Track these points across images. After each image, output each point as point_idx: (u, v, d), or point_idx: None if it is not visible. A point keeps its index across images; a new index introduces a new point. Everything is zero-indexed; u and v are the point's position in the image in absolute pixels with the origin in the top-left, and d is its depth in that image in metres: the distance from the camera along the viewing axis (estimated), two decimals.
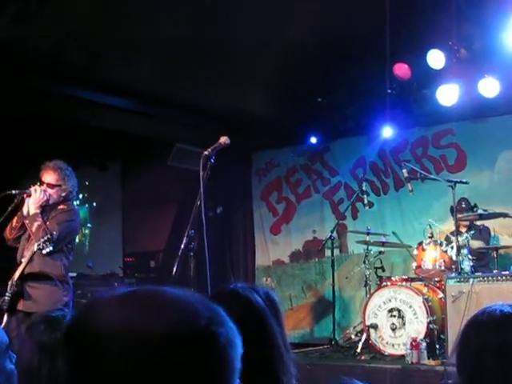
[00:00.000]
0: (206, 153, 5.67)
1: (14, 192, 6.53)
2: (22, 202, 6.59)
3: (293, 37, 9.24)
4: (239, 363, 1.32)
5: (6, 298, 6.37)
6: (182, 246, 5.54)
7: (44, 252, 6.32)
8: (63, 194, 6.75)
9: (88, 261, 11.67)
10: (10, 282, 6.43)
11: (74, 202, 7.27)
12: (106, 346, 1.23)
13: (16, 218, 6.69)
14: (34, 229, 6.45)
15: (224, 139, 5.84)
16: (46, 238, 6.27)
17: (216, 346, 1.27)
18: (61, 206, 6.75)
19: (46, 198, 6.61)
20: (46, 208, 6.68)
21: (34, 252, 6.37)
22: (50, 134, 9.93)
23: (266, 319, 2.38)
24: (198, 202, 5.58)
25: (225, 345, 1.28)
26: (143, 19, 8.51)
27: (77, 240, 8.36)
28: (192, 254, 5.71)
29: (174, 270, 5.55)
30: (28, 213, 6.56)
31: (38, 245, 6.28)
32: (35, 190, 6.54)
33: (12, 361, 2.64)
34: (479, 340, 2.26)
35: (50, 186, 6.66)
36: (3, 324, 6.37)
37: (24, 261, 6.45)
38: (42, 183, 6.65)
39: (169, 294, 1.32)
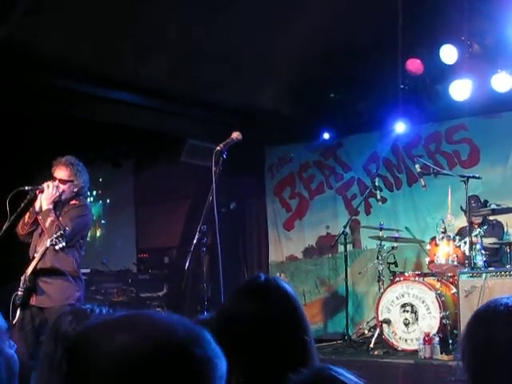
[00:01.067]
0: (218, 148, 5.72)
1: (26, 188, 6.53)
2: (34, 198, 6.61)
3: (306, 32, 9.26)
4: (220, 381, 1.39)
5: (19, 293, 6.40)
6: (195, 241, 5.58)
7: (57, 248, 6.32)
8: (75, 190, 6.77)
9: (102, 257, 11.72)
10: (22, 278, 6.47)
11: (88, 199, 7.28)
12: (99, 364, 1.33)
13: (28, 213, 6.70)
14: (47, 224, 6.47)
15: (236, 135, 5.88)
16: (58, 234, 6.27)
17: (192, 365, 1.34)
18: (73, 202, 6.79)
19: (58, 194, 6.62)
20: (58, 204, 6.70)
21: (47, 248, 6.39)
22: (64, 131, 9.98)
23: (300, 307, 2.49)
24: (211, 198, 5.61)
25: (202, 365, 1.35)
26: (157, 16, 8.54)
27: (90, 236, 8.39)
28: (205, 249, 5.73)
29: (187, 264, 5.58)
30: (41, 208, 6.58)
31: (51, 240, 6.28)
32: (47, 186, 6.56)
33: (11, 347, 2.63)
34: (485, 335, 2.20)
35: (62, 181, 6.68)
36: (16, 318, 6.42)
37: (37, 256, 6.49)
38: (54, 179, 6.67)
39: (152, 318, 1.42)
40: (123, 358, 1.31)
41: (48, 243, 6.32)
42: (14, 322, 6.41)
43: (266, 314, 2.36)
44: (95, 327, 1.41)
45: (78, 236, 6.70)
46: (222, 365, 1.39)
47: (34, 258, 6.55)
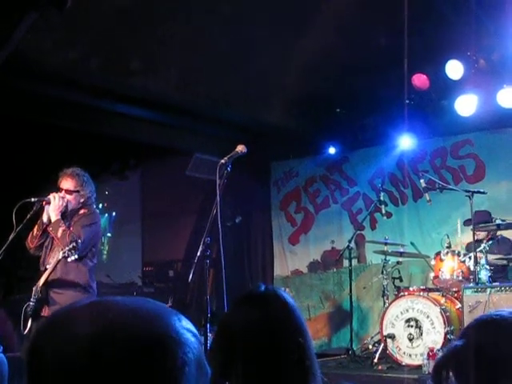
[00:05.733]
0: (222, 161, 5.74)
1: (32, 200, 6.52)
2: (41, 210, 6.61)
3: (312, 47, 9.29)
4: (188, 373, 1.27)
5: (31, 303, 6.42)
6: (198, 254, 5.58)
7: (69, 260, 6.32)
8: (82, 200, 6.79)
9: (108, 270, 11.74)
10: (34, 289, 6.47)
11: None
12: (55, 361, 1.23)
13: (36, 226, 6.71)
14: (59, 234, 6.46)
15: (241, 148, 5.91)
16: (71, 246, 6.25)
17: (165, 364, 1.25)
18: (82, 211, 6.79)
19: (64, 204, 6.64)
20: (66, 215, 6.71)
21: (59, 260, 6.39)
22: (71, 144, 10.01)
23: (300, 318, 2.47)
24: (215, 211, 5.63)
25: (177, 364, 1.26)
26: (165, 31, 8.59)
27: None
28: (208, 261, 5.73)
29: (190, 276, 5.59)
30: (49, 220, 6.59)
31: (64, 252, 6.26)
32: (54, 197, 6.57)
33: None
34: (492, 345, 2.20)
35: (68, 192, 6.70)
36: (27, 329, 6.43)
37: (49, 267, 6.48)
38: (60, 190, 6.69)
39: (120, 305, 1.31)
40: (83, 352, 1.20)
41: (60, 255, 6.31)
42: (25, 332, 6.44)
43: (263, 323, 2.36)
44: (53, 320, 1.30)
45: (89, 245, 6.71)
46: (190, 354, 1.28)
47: (45, 269, 6.56)
